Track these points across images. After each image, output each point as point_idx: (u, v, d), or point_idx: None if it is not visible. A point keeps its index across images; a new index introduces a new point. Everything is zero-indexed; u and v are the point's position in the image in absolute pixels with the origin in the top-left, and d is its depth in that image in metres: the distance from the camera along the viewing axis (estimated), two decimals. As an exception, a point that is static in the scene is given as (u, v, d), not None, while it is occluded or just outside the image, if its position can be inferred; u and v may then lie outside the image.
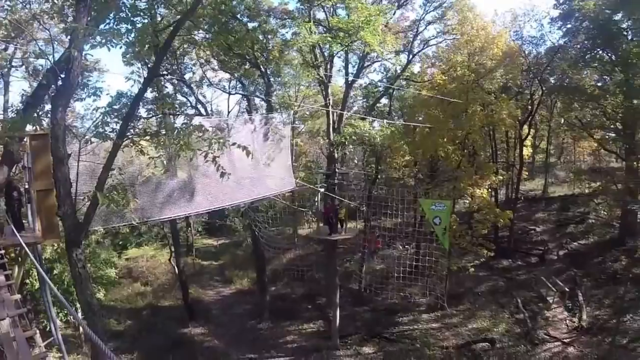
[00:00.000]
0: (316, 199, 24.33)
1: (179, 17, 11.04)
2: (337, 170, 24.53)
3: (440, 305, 24.90)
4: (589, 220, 30.72)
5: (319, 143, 29.62)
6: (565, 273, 26.22)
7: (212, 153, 9.35)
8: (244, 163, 16.15)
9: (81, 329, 25.07)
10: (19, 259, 12.13)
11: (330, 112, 24.02)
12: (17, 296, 9.03)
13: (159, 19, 12.40)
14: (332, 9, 23.72)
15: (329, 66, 24.41)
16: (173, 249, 32.19)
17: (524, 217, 33.84)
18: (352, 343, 23.86)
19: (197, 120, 13.09)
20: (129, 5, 9.76)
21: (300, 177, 26.76)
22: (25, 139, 11.30)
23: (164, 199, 17.08)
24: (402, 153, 27.16)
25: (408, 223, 27.21)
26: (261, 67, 24.41)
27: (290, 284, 31.53)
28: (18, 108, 19.41)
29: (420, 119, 27.04)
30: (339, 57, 26.49)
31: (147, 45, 10.46)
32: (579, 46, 27.26)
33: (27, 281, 22.75)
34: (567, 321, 22.62)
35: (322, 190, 22.80)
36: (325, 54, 23.82)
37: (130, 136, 11.01)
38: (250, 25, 22.76)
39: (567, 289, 23.87)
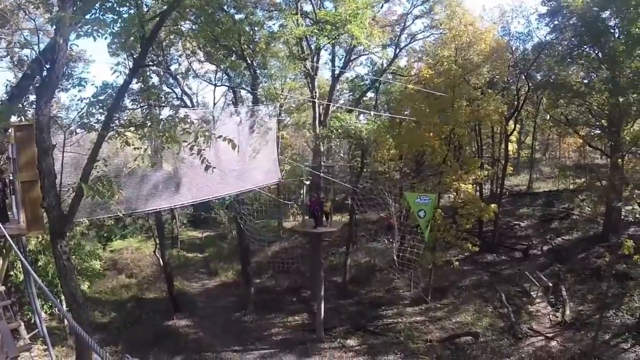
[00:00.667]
0: (302, 192, 24.24)
1: (165, 7, 10.85)
2: (322, 163, 24.54)
3: (424, 299, 25.11)
4: (573, 216, 31.25)
5: (304, 136, 29.57)
6: (549, 268, 26.67)
7: (197, 146, 9.38)
8: (229, 155, 16.05)
9: (66, 321, 24.90)
10: (3, 250, 11.90)
11: (317, 104, 24.04)
12: (2, 288, 9.54)
13: (145, 9, 12.25)
14: (319, 2, 23.74)
15: (315, 59, 24.39)
16: (158, 241, 32.07)
17: (508, 212, 34.29)
18: (337, 336, 24.03)
19: (182, 112, 13.00)
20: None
21: (286, 170, 26.79)
22: (9, 130, 11.06)
23: (149, 191, 17.08)
24: (387, 147, 27.28)
25: (393, 216, 27.36)
26: (247, 59, 24.22)
27: (275, 276, 31.60)
28: (2, 99, 19.15)
29: (406, 113, 27.15)
30: (326, 50, 26.55)
31: (132, 36, 10.33)
32: (566, 43, 27.49)
33: (12, 273, 22.48)
34: (551, 316, 23.03)
35: (307, 183, 22.80)
36: (312, 46, 23.76)
37: (115, 127, 10.95)
38: (237, 16, 22.57)
39: (550, 284, 24.29)
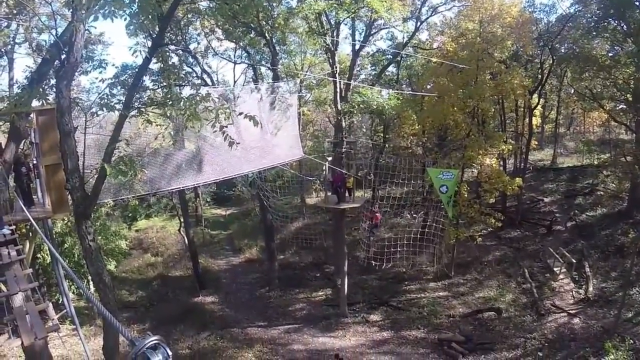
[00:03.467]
0: (324, 168, 23.97)
1: None
2: (344, 139, 24.13)
3: (447, 274, 24.69)
4: (597, 192, 30.20)
5: (326, 112, 29.10)
6: (572, 244, 25.93)
7: (219, 123, 9.34)
8: (251, 133, 16.16)
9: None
10: (30, 234, 12.30)
11: (337, 80, 23.49)
12: (29, 270, 9.57)
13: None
14: (338, -25, 22.90)
15: (335, 34, 23.75)
16: (182, 220, 32.20)
17: (532, 188, 33.48)
18: (360, 311, 23.96)
19: (204, 90, 12.86)
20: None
21: (308, 146, 26.45)
22: (31, 115, 11.37)
23: (172, 170, 17.09)
24: (410, 122, 26.62)
25: (416, 192, 26.88)
26: (266, 35, 23.76)
27: (299, 252, 31.61)
28: (23, 84, 19.17)
29: (428, 87, 26.40)
30: (346, 25, 25.89)
31: (150, 15, 10.05)
32: (590, 15, 26.34)
33: (39, 255, 22.97)
34: (574, 292, 22.42)
35: (329, 159, 22.55)
36: (332, 21, 23.17)
37: (136, 107, 10.87)
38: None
39: (574, 261, 23.64)
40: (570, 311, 20.84)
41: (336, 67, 23.56)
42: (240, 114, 9.15)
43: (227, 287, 29.63)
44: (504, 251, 27.16)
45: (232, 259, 34.43)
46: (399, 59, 29.23)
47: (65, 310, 18.53)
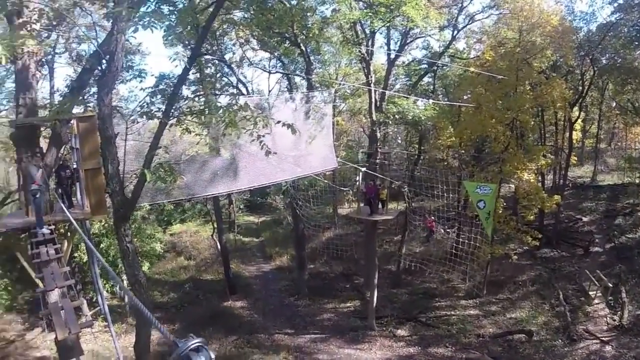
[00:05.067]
0: (357, 179, 23.35)
1: None
2: (379, 149, 23.51)
3: (479, 293, 23.43)
4: (638, 212, 28.03)
5: (360, 122, 28.45)
6: (610, 267, 24.10)
7: (256, 132, 9.49)
8: (285, 142, 16.00)
9: (126, 299, 25.60)
10: (68, 233, 12.66)
11: (372, 90, 22.78)
12: (66, 268, 9.58)
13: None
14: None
15: (370, 43, 23.14)
16: (216, 225, 32.14)
17: (571, 206, 31.63)
18: (388, 325, 23.09)
19: (242, 100, 12.95)
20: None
21: (342, 156, 25.85)
22: (72, 122, 11.56)
23: (207, 176, 17.18)
24: (447, 133, 25.56)
25: (451, 206, 25.75)
26: (301, 45, 23.38)
27: (329, 262, 31.08)
28: (64, 92, 19.54)
29: (465, 97, 25.28)
30: (381, 34, 25.23)
31: (189, 26, 10.62)
32: (631, 23, 24.60)
33: (76, 255, 23.39)
34: (608, 318, 20.81)
35: (363, 169, 21.82)
36: (367, 30, 22.49)
37: (175, 115, 11.18)
38: (290, 3, 21.63)
39: (610, 285, 21.86)
40: (603, 338, 19.32)
41: (371, 77, 22.93)
42: (278, 122, 9.22)
43: (257, 293, 29.37)
44: (539, 271, 25.62)
45: (263, 266, 34.20)
46: (435, 68, 28.24)
47: (98, 308, 18.82)
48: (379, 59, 29.02)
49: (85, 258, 23.19)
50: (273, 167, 17.28)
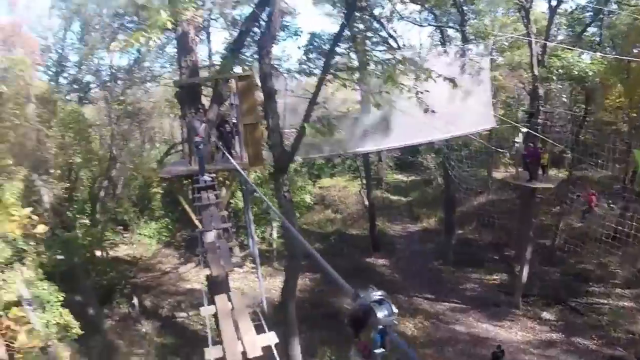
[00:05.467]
0: (516, 140, 22.49)
1: None
2: (540, 108, 22.05)
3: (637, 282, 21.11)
4: None
5: (520, 77, 26.54)
6: None
7: (415, 87, 9.91)
8: (439, 98, 15.64)
9: (273, 245, 28.75)
10: (227, 182, 14.38)
11: (533, 41, 21.22)
12: (224, 212, 11.56)
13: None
14: None
15: (528, -12, 21.24)
16: (364, 182, 33.92)
17: None
18: (534, 305, 22.46)
19: (398, 54, 13.57)
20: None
21: (499, 115, 24.93)
22: (231, 80, 13.15)
23: (358, 133, 18.18)
24: (615, 92, 22.64)
25: (616, 178, 23.10)
26: (453, -5, 22.51)
27: (479, 229, 30.55)
28: (223, 54, 21.77)
29: (636, 51, 21.92)
30: None
31: None
32: None
33: (232, 201, 26.96)
34: None
35: (523, 130, 21.29)
36: (523, -25, 20.72)
37: (332, 71, 11.80)
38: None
39: None
40: None
41: (531, 27, 21.22)
42: (439, 75, 9.66)
43: (400, 253, 30.62)
44: None
45: (409, 226, 35.13)
46: (601, 16, 24.88)
47: (248, 250, 21.67)
48: (539, 6, 26.39)
49: (240, 204, 26.81)
50: (426, 125, 17.21)
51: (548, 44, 22.44)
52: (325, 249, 30.05)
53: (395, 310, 2.06)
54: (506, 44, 25.59)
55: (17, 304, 15.22)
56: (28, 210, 5.87)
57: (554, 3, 22.82)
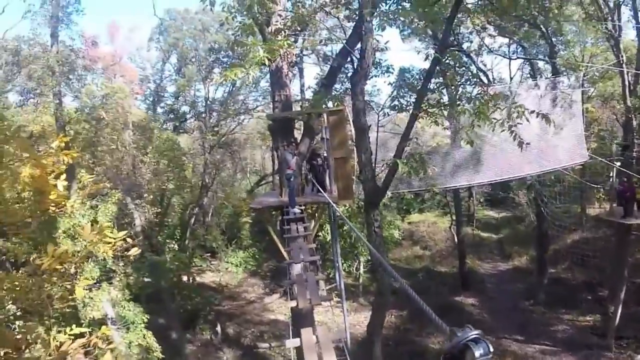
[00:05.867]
0: (610, 175, 22.51)
1: None
2: (635, 141, 22.16)
3: None
4: None
5: (613, 109, 26.41)
6: None
7: (508, 122, 10.07)
8: (531, 132, 16.23)
9: (360, 280, 29.77)
10: (315, 215, 14.75)
11: (624, 71, 21.60)
12: (312, 245, 11.92)
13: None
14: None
15: (616, 17, 21.75)
16: (454, 218, 34.88)
17: None
18: (627, 347, 21.87)
19: (491, 89, 14.43)
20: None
21: (592, 149, 24.96)
22: (323, 115, 13.74)
23: (448, 168, 19.55)
24: None
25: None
26: (541, 26, 23.61)
27: (572, 268, 29.92)
28: (315, 89, 23.72)
29: None
30: (626, 5, 23.12)
31: (433, 20, 11.32)
32: None
33: (320, 234, 28.18)
34: None
35: (617, 164, 21.17)
36: (610, 3, 21.32)
37: (424, 108, 12.01)
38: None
39: None
40: None
41: (622, 56, 21.65)
42: (532, 111, 9.81)
43: (490, 291, 30.86)
44: None
45: (500, 264, 35.33)
46: None
47: (334, 284, 22.68)
48: (629, 35, 26.37)
49: (327, 237, 28.01)
50: (518, 160, 18.09)
51: (640, 72, 22.60)
52: (412, 286, 29.29)
53: (492, 349, 2.10)
54: (597, 74, 25.85)
55: (102, 322, 17.04)
56: (123, 233, 7.16)
57: (642, 30, 23.06)
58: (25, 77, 25.99)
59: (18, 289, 7.05)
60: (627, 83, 22.09)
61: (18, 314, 7.96)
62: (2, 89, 25.96)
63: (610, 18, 21.74)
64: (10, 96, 28.74)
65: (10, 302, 7.44)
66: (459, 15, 26.30)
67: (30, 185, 7.65)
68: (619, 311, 21.83)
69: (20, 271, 8.36)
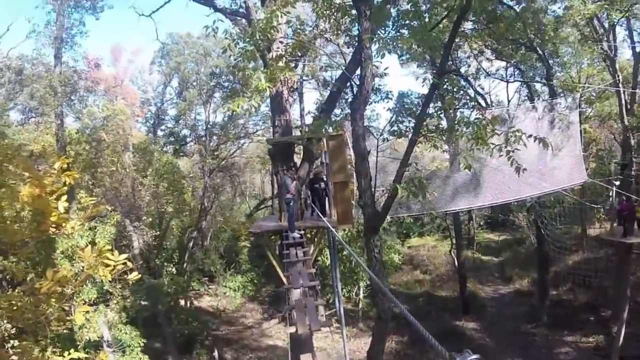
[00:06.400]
0: (610, 195, 22.77)
1: (444, 12, 12.34)
2: (633, 159, 22.51)
3: None
4: None
5: (610, 128, 26.82)
6: None
7: (505, 147, 10.10)
8: (529, 154, 16.37)
9: (360, 305, 29.56)
10: (315, 239, 14.69)
11: (621, 90, 22.02)
12: (312, 270, 11.80)
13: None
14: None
15: (611, 37, 22.34)
16: (454, 241, 34.81)
17: None
18: (633, 368, 21.71)
19: (488, 114, 14.52)
20: (409, 11, 11.28)
21: (591, 168, 25.18)
22: (322, 140, 13.78)
23: (448, 192, 19.63)
24: None
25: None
26: (537, 49, 24.13)
27: (574, 289, 29.83)
28: (314, 114, 24.09)
29: None
30: (621, 26, 23.78)
31: (430, 46, 11.43)
32: None
33: (319, 258, 28.17)
34: None
35: (616, 184, 21.46)
36: (605, 24, 21.89)
37: (423, 133, 12.04)
38: (518, 7, 22.73)
39: None
40: None
41: (618, 76, 22.12)
42: (530, 136, 9.81)
43: (491, 316, 30.62)
44: None
45: (500, 287, 35.14)
46: None
47: (334, 310, 22.45)
48: (624, 54, 26.96)
49: (327, 262, 27.93)
50: (517, 182, 18.03)
51: (637, 92, 23.02)
52: (412, 311, 29.46)
53: None
54: (594, 94, 26.30)
55: (98, 344, 16.90)
56: (124, 256, 7.10)
57: (639, 49, 23.58)
58: (27, 96, 26.48)
59: (15, 308, 7.04)
60: (624, 102, 22.55)
61: (13, 332, 7.98)
62: (4, 107, 26.28)
63: (605, 39, 22.36)
64: (11, 114, 29.26)
65: (6, 321, 7.45)
66: (457, 40, 26.95)
67: (29, 205, 7.65)
68: (623, 331, 21.63)
69: (17, 290, 8.34)
